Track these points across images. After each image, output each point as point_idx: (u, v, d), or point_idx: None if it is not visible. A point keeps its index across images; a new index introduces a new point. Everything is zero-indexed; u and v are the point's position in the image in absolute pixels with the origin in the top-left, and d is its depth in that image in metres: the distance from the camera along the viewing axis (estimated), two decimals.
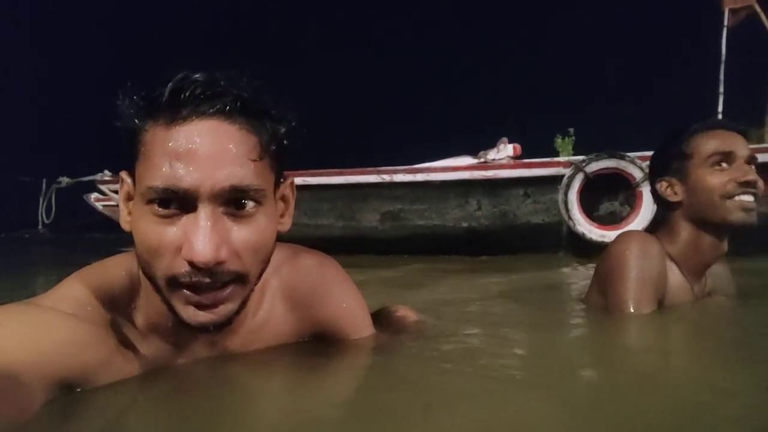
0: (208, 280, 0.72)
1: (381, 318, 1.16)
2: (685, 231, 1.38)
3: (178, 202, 0.71)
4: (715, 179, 1.33)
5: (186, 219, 0.71)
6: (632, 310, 1.29)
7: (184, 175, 0.69)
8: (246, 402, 0.79)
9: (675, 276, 1.39)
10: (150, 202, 0.71)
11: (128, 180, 0.78)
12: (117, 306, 0.81)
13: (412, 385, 0.78)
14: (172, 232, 0.71)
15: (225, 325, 0.77)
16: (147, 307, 0.82)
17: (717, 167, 1.33)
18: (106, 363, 0.75)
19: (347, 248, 3.65)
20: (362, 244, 4.28)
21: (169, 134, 0.71)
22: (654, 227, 1.46)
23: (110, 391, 0.75)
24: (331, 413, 0.73)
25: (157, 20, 13.22)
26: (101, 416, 0.70)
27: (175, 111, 0.71)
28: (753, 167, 1.33)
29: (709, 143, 1.34)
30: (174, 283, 0.72)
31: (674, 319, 1.33)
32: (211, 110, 0.72)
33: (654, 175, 1.46)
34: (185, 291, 0.73)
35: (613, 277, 1.35)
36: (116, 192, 0.90)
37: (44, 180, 6.09)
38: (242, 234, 0.73)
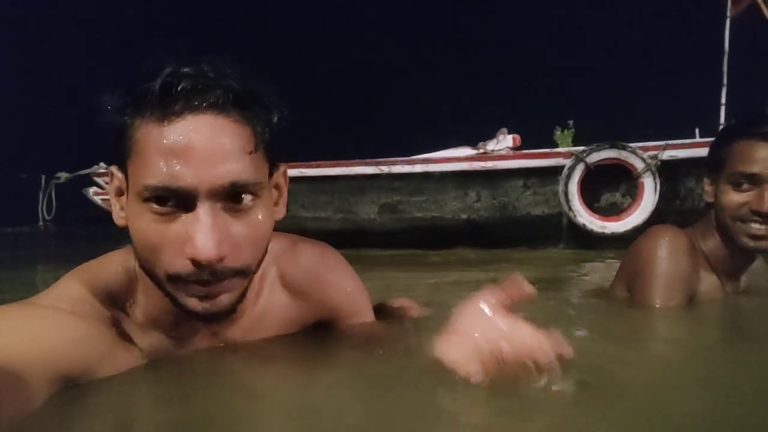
0: (210, 278, 0.72)
1: (381, 310, 1.16)
2: (717, 231, 1.35)
3: (176, 199, 0.70)
4: (732, 198, 1.28)
5: (186, 216, 0.71)
6: (658, 307, 1.26)
7: (182, 174, 0.68)
8: (246, 392, 0.79)
9: (707, 273, 1.36)
10: (146, 200, 0.71)
11: (119, 175, 0.77)
12: (115, 302, 0.81)
13: (413, 375, 0.77)
14: (173, 229, 0.71)
15: (230, 313, 0.80)
16: (146, 302, 0.82)
17: (738, 187, 1.27)
18: (106, 357, 0.75)
19: (345, 241, 3.62)
20: (360, 237, 4.26)
21: (162, 131, 0.69)
22: (695, 219, 1.43)
23: (112, 383, 0.75)
24: (331, 403, 0.73)
25: (149, 12, 13.14)
26: (103, 408, 0.70)
27: (167, 107, 0.70)
28: None
29: (737, 159, 1.26)
30: (176, 279, 0.73)
31: (699, 317, 1.30)
32: (203, 104, 0.70)
33: (706, 168, 1.40)
34: (188, 285, 0.73)
35: (641, 273, 1.32)
36: None
37: (43, 176, 6.09)
38: (242, 228, 0.74)
